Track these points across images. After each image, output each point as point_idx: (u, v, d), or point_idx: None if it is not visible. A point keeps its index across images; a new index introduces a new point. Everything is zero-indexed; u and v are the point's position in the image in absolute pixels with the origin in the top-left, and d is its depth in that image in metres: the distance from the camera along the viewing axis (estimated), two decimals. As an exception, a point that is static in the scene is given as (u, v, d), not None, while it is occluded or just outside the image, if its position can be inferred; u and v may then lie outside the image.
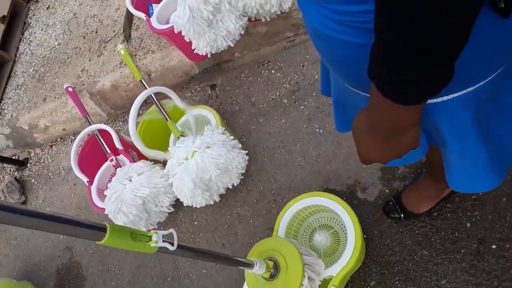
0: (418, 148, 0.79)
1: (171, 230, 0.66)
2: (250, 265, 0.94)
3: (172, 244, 0.64)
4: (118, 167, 1.55)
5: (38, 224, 0.51)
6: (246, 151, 1.43)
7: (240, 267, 0.94)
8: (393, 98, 0.39)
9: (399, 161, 0.84)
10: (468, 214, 1.20)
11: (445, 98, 0.55)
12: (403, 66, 0.36)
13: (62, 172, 2.07)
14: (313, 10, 0.50)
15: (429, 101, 0.57)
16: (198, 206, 1.46)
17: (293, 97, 1.65)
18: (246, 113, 1.72)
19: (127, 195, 1.38)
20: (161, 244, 0.63)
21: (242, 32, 1.49)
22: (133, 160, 1.59)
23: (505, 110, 0.66)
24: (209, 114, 1.52)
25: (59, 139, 2.20)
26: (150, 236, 0.62)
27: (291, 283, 0.98)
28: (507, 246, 1.12)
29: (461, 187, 0.78)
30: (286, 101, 1.66)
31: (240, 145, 1.44)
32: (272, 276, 1.00)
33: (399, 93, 0.39)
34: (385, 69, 0.38)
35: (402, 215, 1.24)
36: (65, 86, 1.87)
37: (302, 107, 1.62)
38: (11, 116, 2.12)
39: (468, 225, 1.19)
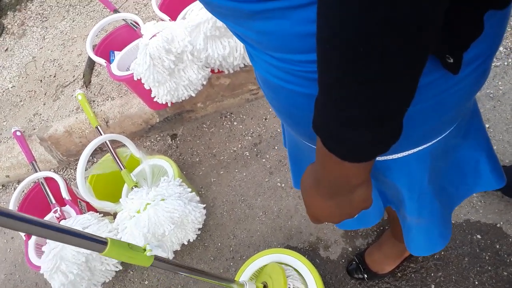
0: (374, 212, 0.77)
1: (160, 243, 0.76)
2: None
3: (165, 252, 0.74)
4: (62, 219, 1.41)
5: (48, 234, 0.58)
6: (204, 205, 1.35)
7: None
8: (339, 154, 0.35)
9: (354, 224, 0.81)
10: (432, 274, 1.16)
11: (401, 155, 0.53)
12: (350, 122, 0.32)
13: (0, 223, 1.87)
14: (260, 58, 0.47)
15: (386, 157, 0.55)
16: (148, 265, 1.33)
17: (255, 149, 1.62)
18: (207, 165, 1.66)
19: (68, 251, 1.24)
20: (156, 252, 0.70)
21: (204, 83, 1.48)
22: (80, 212, 1.46)
23: (455, 166, 0.66)
24: (166, 164, 1.44)
25: (0, 187, 2.01)
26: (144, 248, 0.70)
27: None
28: (472, 310, 1.08)
29: (420, 250, 0.77)
30: (247, 154, 1.62)
31: (198, 198, 1.36)
32: None
33: (345, 150, 0.35)
34: (329, 123, 0.34)
35: (366, 275, 1.18)
36: (12, 130, 1.75)
37: (264, 160, 1.58)
38: (-51, 160, 1.93)
39: (433, 286, 1.15)
